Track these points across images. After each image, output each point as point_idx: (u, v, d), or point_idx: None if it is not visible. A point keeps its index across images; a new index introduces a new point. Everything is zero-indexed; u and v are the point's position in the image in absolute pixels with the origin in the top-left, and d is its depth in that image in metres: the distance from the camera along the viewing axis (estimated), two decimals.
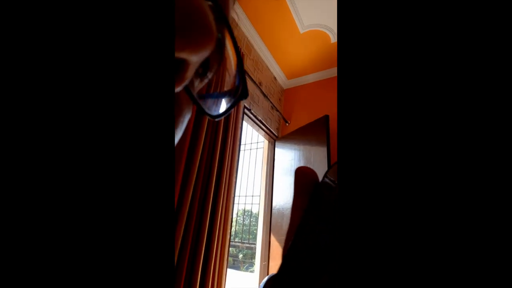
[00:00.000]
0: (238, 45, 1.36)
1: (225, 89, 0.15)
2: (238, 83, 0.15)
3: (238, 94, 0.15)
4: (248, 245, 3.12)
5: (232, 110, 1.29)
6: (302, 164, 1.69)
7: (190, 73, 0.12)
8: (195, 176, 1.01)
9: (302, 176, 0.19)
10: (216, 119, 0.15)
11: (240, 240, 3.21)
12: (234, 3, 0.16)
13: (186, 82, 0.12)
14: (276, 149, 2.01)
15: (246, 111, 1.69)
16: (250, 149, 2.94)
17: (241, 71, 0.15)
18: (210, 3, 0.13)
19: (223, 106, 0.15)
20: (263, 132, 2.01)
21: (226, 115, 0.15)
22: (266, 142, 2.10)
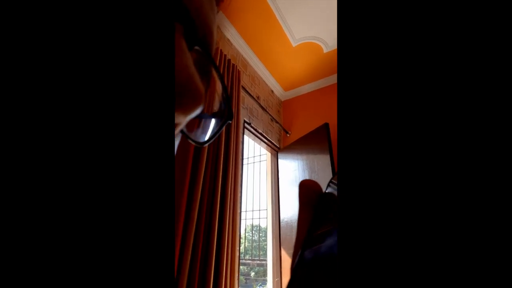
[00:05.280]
0: (234, 63, 1.38)
1: (215, 109, 0.16)
2: (224, 107, 0.16)
3: (224, 116, 0.16)
4: (259, 261, 3.01)
5: (232, 125, 1.30)
6: (306, 174, 1.68)
7: (177, 131, 0.13)
8: (199, 194, 1.00)
9: (306, 189, 0.19)
10: (204, 145, 0.16)
11: (250, 257, 3.11)
12: (216, 17, 0.17)
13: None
14: (279, 160, 2.01)
15: (246, 125, 1.71)
16: (254, 162, 2.93)
17: (225, 95, 0.16)
18: (197, 47, 0.14)
19: (211, 130, 0.16)
20: (265, 145, 2.01)
21: (213, 139, 0.16)
22: (269, 154, 2.09)
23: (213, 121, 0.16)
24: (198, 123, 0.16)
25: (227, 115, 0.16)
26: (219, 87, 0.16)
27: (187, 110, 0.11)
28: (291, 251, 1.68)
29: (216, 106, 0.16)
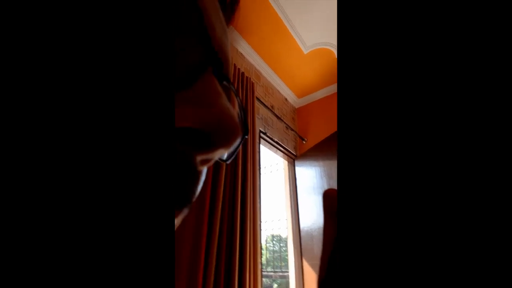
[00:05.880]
0: (247, 75, 1.41)
1: None
2: (240, 123, 0.17)
3: (242, 132, 0.17)
4: (281, 273, 2.93)
5: (249, 136, 1.32)
6: (324, 181, 1.64)
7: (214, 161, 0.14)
8: (220, 207, 1.01)
9: (330, 199, 0.19)
10: (228, 162, 0.18)
11: (272, 269, 3.04)
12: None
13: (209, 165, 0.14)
14: (296, 168, 1.98)
15: (261, 135, 1.72)
16: (271, 171, 2.92)
17: (242, 113, 0.17)
18: (225, 83, 0.15)
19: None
20: (281, 153, 2.00)
21: (234, 155, 0.17)
22: (286, 162, 2.08)
23: None
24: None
25: (243, 131, 0.17)
26: (236, 106, 0.17)
27: (230, 146, 0.13)
28: (313, 261, 1.62)
29: None
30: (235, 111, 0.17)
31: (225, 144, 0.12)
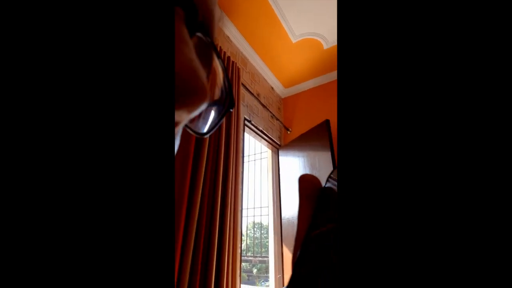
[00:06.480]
0: (233, 60, 1.37)
1: (215, 97, 0.16)
2: (225, 95, 0.15)
3: (225, 105, 0.15)
4: (261, 258, 3.04)
5: (232, 122, 1.30)
6: (307, 171, 1.68)
7: (179, 128, 0.12)
8: (200, 192, 1.00)
9: (306, 183, 0.19)
10: (206, 136, 0.16)
11: (252, 254, 3.14)
12: (221, 16, 0.17)
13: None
14: (280, 157, 2.01)
15: (246, 122, 1.71)
16: (255, 160, 2.94)
17: (226, 83, 0.15)
18: (199, 34, 0.13)
19: (211, 120, 0.15)
20: (266, 142, 2.01)
21: (215, 129, 0.15)
22: (270, 151, 2.10)
23: (213, 110, 0.15)
24: (200, 118, 0.16)
25: (228, 104, 0.15)
26: (219, 74, 0.15)
27: (191, 108, 0.11)
28: (293, 248, 1.69)
29: (217, 94, 0.16)
30: (217, 74, 0.15)
31: (183, 104, 0.10)
